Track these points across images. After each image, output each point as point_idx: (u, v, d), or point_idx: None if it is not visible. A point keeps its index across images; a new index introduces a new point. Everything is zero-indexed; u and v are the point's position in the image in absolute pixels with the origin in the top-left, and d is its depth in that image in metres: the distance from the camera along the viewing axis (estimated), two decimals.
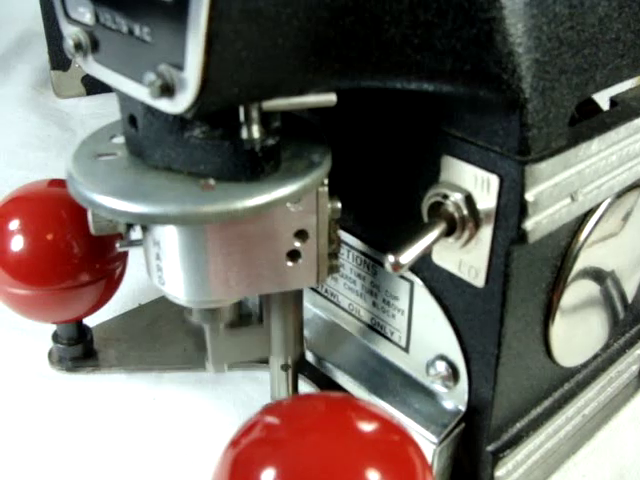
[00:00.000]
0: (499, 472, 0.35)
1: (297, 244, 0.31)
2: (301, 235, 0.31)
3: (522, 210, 0.28)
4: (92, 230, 0.31)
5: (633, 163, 0.33)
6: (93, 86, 0.82)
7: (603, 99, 0.35)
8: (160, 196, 0.27)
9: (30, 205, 0.40)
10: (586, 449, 0.40)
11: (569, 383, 0.38)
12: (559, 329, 0.34)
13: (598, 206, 0.33)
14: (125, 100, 0.29)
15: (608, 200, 0.33)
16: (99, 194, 0.27)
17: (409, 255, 0.28)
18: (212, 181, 0.28)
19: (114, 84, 0.28)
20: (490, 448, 0.34)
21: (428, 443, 0.34)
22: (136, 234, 0.33)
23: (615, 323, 0.39)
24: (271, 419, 0.27)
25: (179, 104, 0.25)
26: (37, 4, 0.79)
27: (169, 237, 0.30)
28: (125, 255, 0.42)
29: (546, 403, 0.37)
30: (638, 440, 0.41)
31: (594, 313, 0.37)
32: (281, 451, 0.25)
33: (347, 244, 0.36)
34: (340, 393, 0.29)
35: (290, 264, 0.31)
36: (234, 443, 0.27)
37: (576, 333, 0.36)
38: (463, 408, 0.34)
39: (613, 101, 0.34)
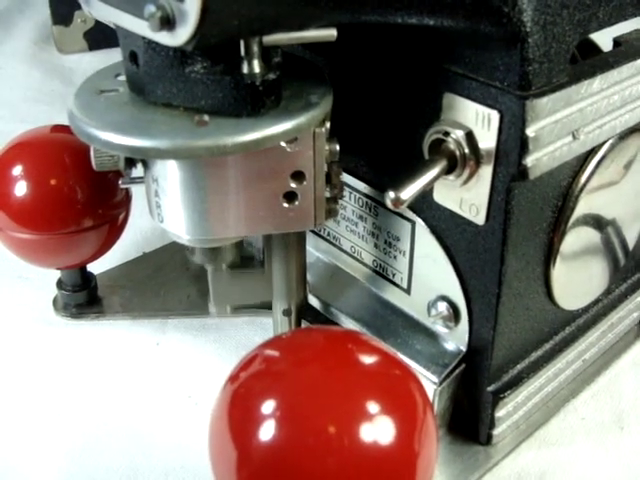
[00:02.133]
0: (499, 413, 0.35)
1: (293, 185, 0.31)
2: (298, 176, 0.31)
3: (522, 146, 0.28)
4: (94, 166, 0.31)
5: (636, 104, 0.33)
6: (95, 41, 0.82)
7: (608, 42, 0.34)
8: (154, 130, 0.27)
9: (33, 150, 0.40)
10: (586, 393, 0.40)
11: (570, 327, 0.39)
12: (560, 271, 0.34)
13: (600, 147, 0.33)
14: (126, 37, 0.29)
15: (610, 141, 0.33)
16: (95, 128, 0.27)
17: (410, 191, 0.28)
18: (206, 117, 0.28)
19: (116, 21, 0.28)
20: (491, 388, 0.35)
21: (429, 383, 0.34)
22: (138, 172, 0.33)
23: (616, 269, 0.39)
24: (270, 352, 0.27)
25: (179, 36, 0.25)
26: None
27: (167, 174, 0.30)
28: (128, 201, 0.42)
29: (547, 346, 0.37)
30: (637, 386, 0.41)
31: (595, 258, 0.37)
32: (280, 383, 0.26)
33: (349, 186, 0.36)
34: (342, 327, 0.29)
35: (287, 205, 0.31)
36: (233, 377, 0.27)
37: (577, 276, 0.36)
38: (464, 348, 0.34)
39: (617, 42, 0.34)
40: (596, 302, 0.40)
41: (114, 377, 0.40)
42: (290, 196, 0.31)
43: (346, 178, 0.36)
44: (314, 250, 0.41)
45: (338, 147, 0.31)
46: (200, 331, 0.43)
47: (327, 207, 0.32)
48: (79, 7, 0.80)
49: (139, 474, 0.35)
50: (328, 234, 0.39)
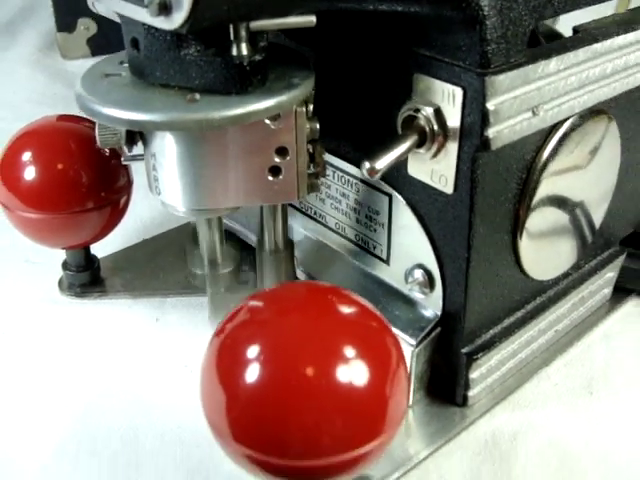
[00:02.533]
0: (473, 374, 0.38)
1: (278, 160, 0.34)
2: (281, 152, 0.34)
3: (484, 119, 0.31)
4: (98, 143, 0.34)
5: (594, 87, 0.36)
6: (98, 47, 0.85)
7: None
8: (150, 106, 0.30)
9: (41, 138, 0.43)
10: (559, 362, 0.43)
11: (541, 297, 0.41)
12: (527, 242, 0.37)
13: (561, 124, 0.36)
14: (128, 25, 0.32)
15: (571, 120, 0.36)
16: (99, 104, 0.31)
17: (383, 161, 0.31)
18: (197, 95, 0.31)
19: (120, 10, 0.31)
20: (465, 350, 0.38)
21: (407, 346, 0.37)
22: (139, 150, 0.36)
23: (583, 245, 0.42)
24: (254, 303, 0.30)
25: (175, 21, 0.28)
26: None
27: (163, 149, 0.33)
28: (129, 187, 0.45)
29: (518, 314, 0.40)
30: (607, 356, 0.44)
31: (562, 234, 0.40)
32: (264, 330, 0.28)
33: (332, 165, 0.39)
34: (325, 283, 0.32)
35: (272, 179, 0.34)
36: (220, 330, 0.30)
37: (545, 249, 0.39)
38: (439, 313, 0.37)
39: (575, 30, 0.37)
40: (566, 275, 0.43)
41: (116, 349, 0.43)
42: (275, 170, 0.34)
43: (330, 158, 0.39)
44: (302, 229, 0.44)
45: (318, 125, 0.34)
46: (196, 308, 0.46)
47: (309, 182, 0.35)
48: (82, 15, 0.84)
49: (139, 433, 0.38)
50: (314, 212, 0.42)
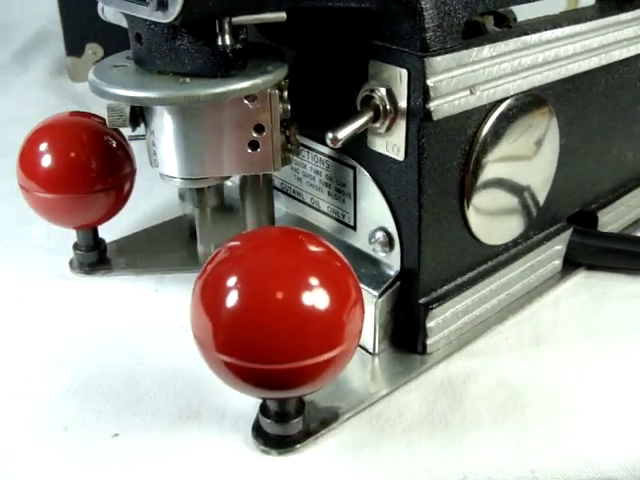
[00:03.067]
0: (430, 323, 0.44)
1: (255, 135, 0.41)
2: (259, 129, 0.41)
3: (425, 94, 0.37)
4: (108, 123, 0.41)
5: (527, 73, 0.42)
6: None
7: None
8: (148, 86, 0.37)
9: (56, 130, 0.49)
10: (511, 321, 0.49)
11: (492, 261, 0.47)
12: (474, 209, 0.43)
13: (499, 105, 0.42)
14: (133, 22, 0.39)
15: (508, 101, 0.42)
16: (106, 86, 0.38)
17: (344, 132, 0.38)
18: (187, 79, 0.38)
19: (126, 10, 0.37)
20: (421, 301, 0.43)
21: (371, 297, 0.43)
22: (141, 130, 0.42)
23: (529, 218, 0.48)
24: (232, 243, 0.36)
25: (170, 15, 0.35)
26: (50, 6, 0.89)
27: (160, 125, 0.40)
28: (133, 174, 0.51)
29: (470, 274, 0.46)
30: (555, 316, 0.49)
31: (508, 207, 0.46)
32: (240, 263, 0.34)
33: (307, 147, 0.46)
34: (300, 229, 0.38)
35: (251, 151, 0.41)
36: (202, 272, 0.36)
37: (491, 217, 0.45)
38: (398, 269, 0.43)
39: (509, 26, 0.43)
40: (516, 244, 0.49)
41: (120, 314, 0.49)
42: (254, 144, 0.41)
43: (305, 141, 0.45)
44: (283, 207, 0.50)
45: (289, 106, 0.41)
46: (191, 281, 0.52)
47: (283, 155, 0.42)
48: (90, 40, 0.91)
49: (138, 377, 0.44)
50: (293, 191, 0.49)
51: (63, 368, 0.45)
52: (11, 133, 0.76)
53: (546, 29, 0.43)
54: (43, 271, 0.54)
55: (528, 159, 0.45)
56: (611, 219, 0.56)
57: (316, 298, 0.33)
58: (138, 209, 0.60)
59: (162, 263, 0.54)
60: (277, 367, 0.33)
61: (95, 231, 0.53)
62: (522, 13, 0.47)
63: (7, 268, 0.55)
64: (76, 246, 0.53)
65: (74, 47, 0.92)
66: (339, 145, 0.38)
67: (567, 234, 0.52)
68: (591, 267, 0.54)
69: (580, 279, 0.54)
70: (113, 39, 0.57)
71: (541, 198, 0.48)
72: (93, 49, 0.92)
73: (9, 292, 0.52)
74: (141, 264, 0.54)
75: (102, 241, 0.54)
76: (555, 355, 0.46)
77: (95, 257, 0.53)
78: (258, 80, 0.38)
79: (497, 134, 0.42)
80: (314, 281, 0.34)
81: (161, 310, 0.50)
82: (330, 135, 0.37)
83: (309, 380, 0.34)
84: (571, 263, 0.53)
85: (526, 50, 0.42)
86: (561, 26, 0.44)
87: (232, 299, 0.33)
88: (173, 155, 0.41)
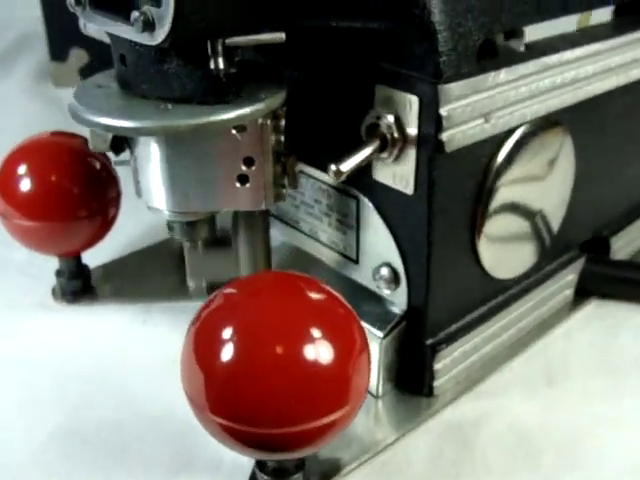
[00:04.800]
0: (438, 365, 0.41)
1: (245, 169, 0.37)
2: (248, 162, 0.37)
3: (438, 124, 0.34)
4: (90, 146, 0.37)
5: (544, 97, 0.39)
6: (89, 75, 0.88)
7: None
8: (125, 114, 0.34)
9: (37, 152, 0.46)
10: (521, 357, 0.46)
11: (502, 295, 0.44)
12: (486, 242, 0.40)
13: (514, 131, 0.39)
14: (116, 42, 0.35)
15: (524, 127, 0.39)
16: (82, 111, 0.35)
17: (348, 164, 0.35)
18: (169, 105, 0.34)
19: (109, 29, 0.34)
20: (429, 342, 0.40)
21: (375, 338, 0.40)
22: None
23: (542, 248, 0.45)
24: (228, 290, 0.33)
25: (157, 37, 0.31)
26: (33, 9, 0.86)
27: (142, 153, 0.37)
28: (118, 198, 0.48)
29: (480, 310, 0.43)
30: (567, 352, 0.47)
31: (521, 238, 0.43)
32: (236, 312, 0.31)
33: (305, 173, 0.43)
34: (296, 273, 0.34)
35: (239, 186, 0.38)
36: (197, 317, 0.33)
37: (504, 249, 0.42)
38: (404, 307, 0.40)
39: (527, 45, 0.40)
40: (527, 276, 0.46)
41: (105, 347, 0.46)
42: (242, 179, 0.38)
43: (303, 167, 0.42)
44: (280, 235, 0.47)
45: (283, 138, 0.38)
46: (181, 311, 0.49)
47: (276, 191, 0.39)
48: (75, 45, 0.87)
49: (125, 422, 0.41)
50: (291, 219, 0.46)
51: (45, 411, 0.41)
52: None
53: (566, 49, 0.40)
54: (24, 299, 0.51)
55: (541, 181, 0.42)
56: (623, 244, 0.53)
57: (319, 353, 0.30)
58: (124, 230, 0.57)
59: (150, 291, 0.51)
60: (277, 431, 0.30)
61: (78, 257, 0.50)
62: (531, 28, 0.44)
63: None
64: (59, 273, 0.50)
65: (58, 52, 0.88)
66: (342, 179, 0.35)
67: (580, 263, 0.49)
68: (603, 295, 0.51)
69: (592, 309, 0.51)
70: (99, 44, 0.54)
71: (555, 224, 0.45)
72: (78, 54, 0.89)
73: None
74: (128, 292, 0.51)
75: (86, 268, 0.51)
76: (568, 395, 0.43)
77: (79, 285, 0.50)
78: (247, 110, 0.34)
79: (511, 161, 0.39)
80: (317, 333, 0.31)
81: (149, 344, 0.47)
82: (333, 168, 0.34)
83: (311, 443, 0.31)
84: (582, 292, 0.50)
85: (545, 72, 0.39)
86: (580, 45, 0.41)
87: (227, 352, 0.30)
88: (157, 185, 0.37)
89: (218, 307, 0.32)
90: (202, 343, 0.31)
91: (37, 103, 0.86)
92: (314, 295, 0.33)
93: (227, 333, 0.31)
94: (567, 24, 0.43)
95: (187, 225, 0.40)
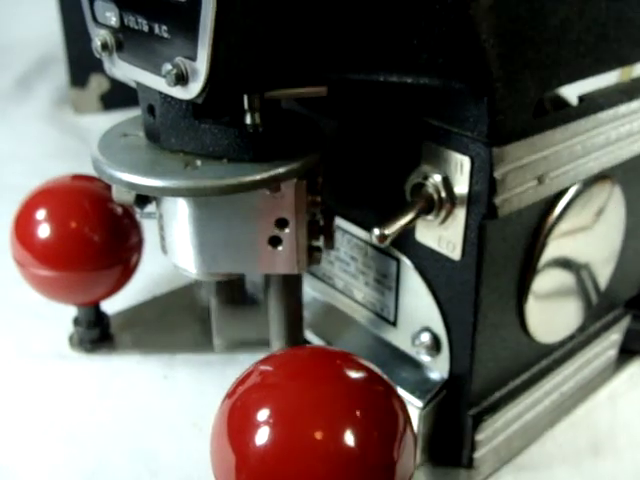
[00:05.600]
0: (479, 436, 0.38)
1: (277, 231, 0.35)
2: (282, 223, 0.35)
3: (491, 187, 0.31)
4: (114, 198, 0.35)
5: (598, 154, 0.37)
6: (110, 102, 0.87)
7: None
8: (150, 170, 0.31)
9: (56, 196, 0.44)
10: (564, 423, 0.43)
11: (546, 359, 0.42)
12: (533, 305, 0.38)
13: (566, 190, 0.36)
14: (145, 92, 0.33)
15: (576, 186, 0.37)
16: (105, 163, 0.32)
17: (392, 227, 0.32)
18: (198, 162, 0.32)
19: (137, 78, 0.32)
20: (471, 413, 0.38)
21: (414, 408, 0.37)
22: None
23: (589, 307, 0.43)
24: (264, 367, 0.30)
25: (191, 91, 0.29)
26: (55, 28, 0.84)
27: (168, 210, 0.35)
28: (140, 245, 0.46)
29: (524, 376, 0.40)
30: (612, 417, 0.44)
31: (568, 296, 0.41)
32: (273, 394, 0.29)
33: (341, 228, 0.40)
34: (332, 347, 0.32)
35: (271, 249, 0.35)
36: (231, 392, 0.30)
37: (551, 312, 0.40)
38: (446, 376, 0.38)
39: (581, 98, 0.38)
40: (571, 338, 0.43)
41: (124, 407, 0.44)
42: (274, 241, 0.35)
43: (339, 222, 0.40)
44: (311, 290, 0.44)
45: (319, 198, 0.35)
46: (205, 366, 0.47)
47: (311, 255, 0.36)
48: (95, 70, 0.85)
49: None
50: (323, 274, 0.43)
51: (60, 474, 0.39)
52: (10, 173, 0.71)
53: (621, 102, 0.37)
54: (40, 347, 0.49)
55: (592, 240, 0.40)
56: None
57: (360, 441, 0.28)
58: (146, 272, 0.54)
59: (172, 341, 0.48)
60: None
61: (97, 305, 0.47)
62: None
63: (0, 342, 0.49)
64: (76, 321, 0.48)
65: (78, 78, 0.86)
66: (387, 243, 0.32)
67: (625, 322, 0.47)
68: None
69: (636, 369, 0.48)
70: None
71: (602, 282, 0.43)
72: (98, 80, 0.87)
73: (2, 372, 0.46)
74: (148, 342, 0.48)
75: (105, 315, 0.48)
76: (616, 468, 0.41)
77: (97, 334, 0.48)
78: (280, 170, 0.32)
79: (561, 218, 0.37)
80: (357, 418, 0.28)
81: (171, 402, 0.44)
82: (377, 232, 0.32)
83: None
84: (626, 351, 0.48)
85: (599, 128, 0.36)
86: (634, 98, 0.38)
87: (262, 437, 0.28)
88: (182, 244, 0.35)
89: (254, 385, 0.30)
90: (236, 423, 0.29)
91: (56, 131, 0.84)
92: (352, 374, 0.30)
93: (263, 415, 0.28)
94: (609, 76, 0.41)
95: (216, 285, 0.37)
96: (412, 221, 0.33)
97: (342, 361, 0.30)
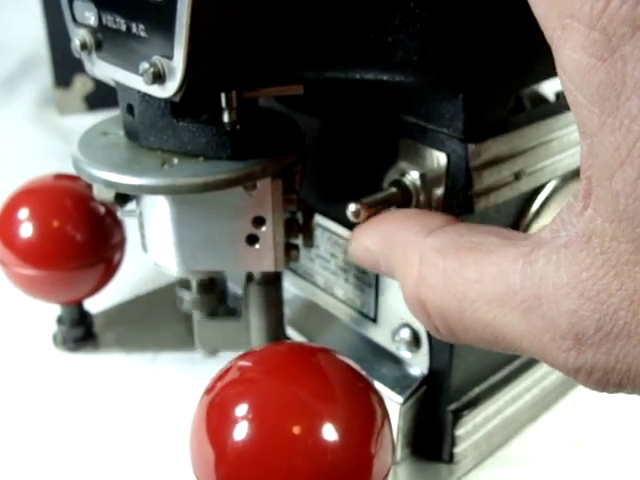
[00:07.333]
0: (459, 431, 0.39)
1: (254, 229, 0.35)
2: (259, 221, 0.35)
3: (467, 183, 0.32)
4: (95, 196, 0.35)
5: (575, 150, 0.37)
6: (94, 103, 0.87)
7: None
8: (127, 169, 0.32)
9: (38, 195, 0.44)
10: (545, 418, 0.44)
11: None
12: None
13: (544, 187, 0.37)
14: (124, 91, 0.33)
15: (554, 182, 0.37)
16: (80, 161, 0.33)
17: (368, 202, 0.32)
18: (175, 160, 0.32)
19: (115, 77, 0.32)
20: (451, 408, 0.38)
21: (394, 403, 0.37)
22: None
23: None
24: (243, 363, 0.30)
25: (168, 89, 0.29)
26: (38, 30, 0.84)
27: (146, 207, 0.35)
28: (123, 244, 0.46)
29: (504, 371, 0.41)
30: (594, 412, 0.44)
31: None
32: (251, 389, 0.29)
33: (321, 226, 0.40)
34: (311, 343, 0.32)
35: (248, 247, 0.35)
36: (210, 388, 0.31)
37: None
38: (425, 371, 0.38)
39: (558, 95, 0.38)
40: None
41: (109, 404, 0.44)
42: (252, 239, 0.35)
43: (319, 219, 0.40)
44: (292, 287, 0.45)
45: (295, 196, 0.35)
46: (188, 363, 0.47)
47: (288, 253, 0.36)
48: (79, 71, 0.85)
49: None
50: (304, 271, 0.43)
51: (42, 474, 0.39)
52: None
53: None
54: (23, 346, 0.49)
55: None
56: None
57: (338, 435, 0.28)
58: (129, 272, 0.55)
59: (156, 340, 0.48)
60: None
61: (80, 304, 0.47)
62: None
63: None
64: (60, 320, 0.48)
65: (62, 78, 0.86)
66: (362, 218, 0.32)
67: None
68: None
69: None
70: None
71: None
72: (83, 81, 0.87)
73: None
74: (132, 341, 0.48)
75: (88, 314, 0.49)
76: (598, 460, 0.41)
77: (81, 332, 0.48)
78: (256, 167, 0.32)
79: (539, 214, 0.37)
80: (335, 412, 0.29)
81: (155, 400, 0.44)
82: (352, 207, 0.32)
83: None
84: None
85: (574, 125, 0.36)
86: None
87: (241, 432, 0.28)
88: (162, 242, 0.35)
89: (232, 381, 0.30)
90: (214, 419, 0.29)
91: (41, 131, 0.84)
92: (331, 369, 0.30)
93: (241, 410, 0.29)
94: None
95: (197, 295, 0.38)
96: (389, 203, 0.33)
97: (320, 357, 0.31)
